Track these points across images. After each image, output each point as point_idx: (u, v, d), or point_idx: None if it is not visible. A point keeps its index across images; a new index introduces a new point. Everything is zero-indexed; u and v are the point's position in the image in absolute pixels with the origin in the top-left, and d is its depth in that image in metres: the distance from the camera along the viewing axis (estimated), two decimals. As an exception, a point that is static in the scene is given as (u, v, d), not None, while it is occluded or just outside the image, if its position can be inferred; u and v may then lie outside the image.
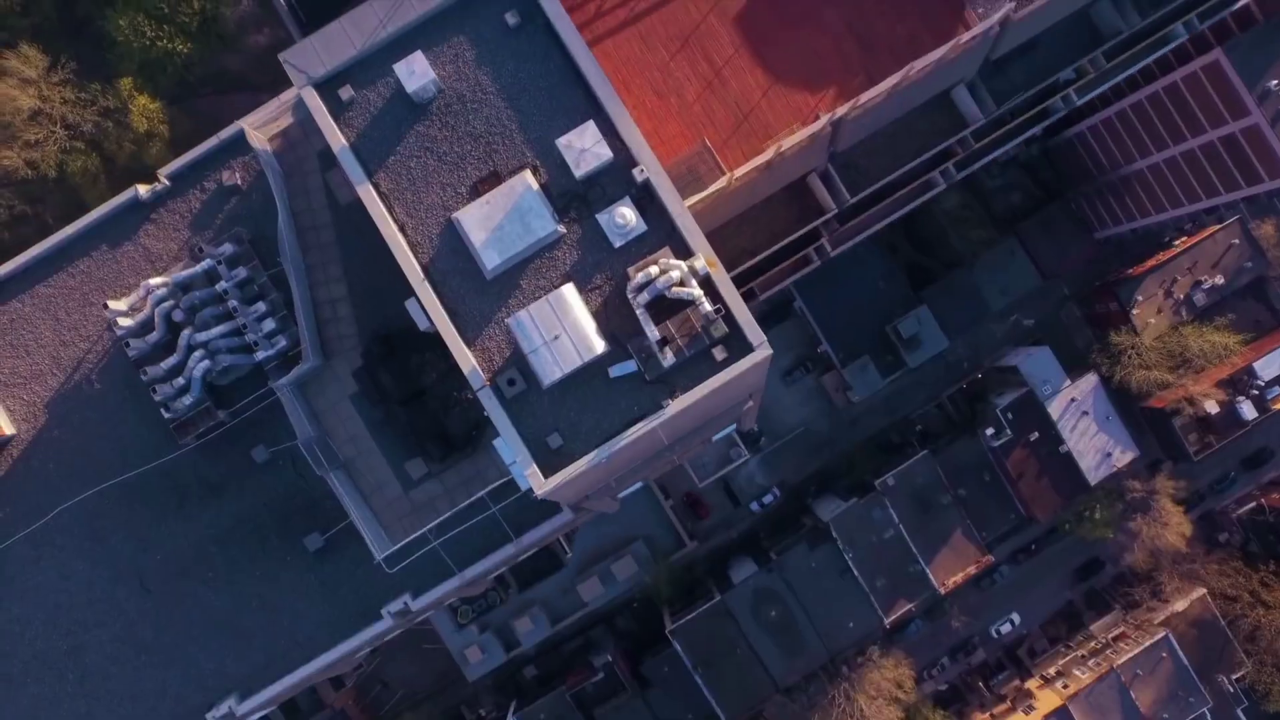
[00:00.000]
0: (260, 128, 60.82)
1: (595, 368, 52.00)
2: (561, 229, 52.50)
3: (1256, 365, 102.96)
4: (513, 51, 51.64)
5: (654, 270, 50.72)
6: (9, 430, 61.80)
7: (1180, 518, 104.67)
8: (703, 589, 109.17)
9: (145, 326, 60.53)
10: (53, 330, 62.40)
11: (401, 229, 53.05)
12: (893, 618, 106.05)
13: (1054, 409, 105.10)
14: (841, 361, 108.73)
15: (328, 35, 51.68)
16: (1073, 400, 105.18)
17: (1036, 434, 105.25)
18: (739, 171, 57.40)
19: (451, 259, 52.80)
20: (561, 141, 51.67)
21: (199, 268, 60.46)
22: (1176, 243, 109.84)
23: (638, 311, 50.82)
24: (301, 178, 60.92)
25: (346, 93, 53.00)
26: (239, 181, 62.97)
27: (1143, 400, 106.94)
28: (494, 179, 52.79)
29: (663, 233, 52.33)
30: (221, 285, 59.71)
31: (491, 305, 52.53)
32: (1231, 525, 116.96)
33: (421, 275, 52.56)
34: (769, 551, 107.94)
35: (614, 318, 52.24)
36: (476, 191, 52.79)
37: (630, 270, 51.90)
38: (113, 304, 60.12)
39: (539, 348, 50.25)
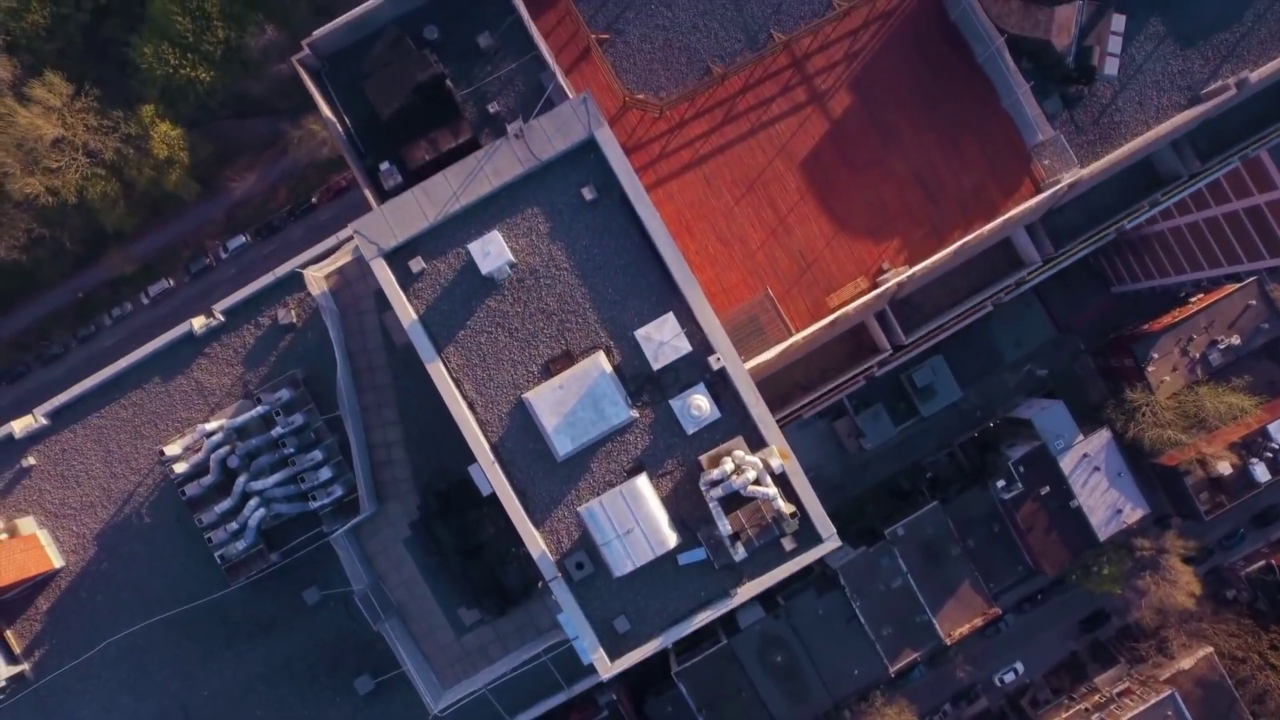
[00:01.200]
0: (317, 269, 58.99)
1: (665, 555, 51.61)
2: (635, 414, 51.42)
3: (1271, 427, 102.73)
4: (588, 225, 49.66)
5: (729, 467, 49.89)
6: (58, 562, 61.07)
7: (1190, 577, 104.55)
8: (709, 632, 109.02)
9: (200, 470, 59.65)
10: (103, 462, 61.37)
11: (471, 406, 51.42)
12: (898, 666, 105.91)
13: (1066, 464, 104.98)
14: (855, 408, 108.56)
15: (400, 206, 49.41)
16: (1085, 455, 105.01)
17: (1047, 488, 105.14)
18: (802, 335, 56.05)
19: (521, 439, 51.41)
20: (640, 334, 50.38)
21: (255, 412, 59.24)
22: (1193, 300, 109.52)
23: (710, 504, 50.22)
24: (357, 316, 59.31)
25: (417, 264, 50.80)
26: (294, 319, 60.82)
27: (1154, 457, 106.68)
28: (566, 359, 51.15)
29: (736, 420, 51.32)
30: (277, 431, 58.65)
31: (561, 488, 51.42)
32: (1239, 582, 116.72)
33: (491, 456, 51.09)
34: (776, 596, 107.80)
35: (684, 503, 51.58)
36: (548, 371, 51.26)
37: (703, 460, 51.04)
38: (168, 449, 59.21)
39: (611, 540, 49.48)
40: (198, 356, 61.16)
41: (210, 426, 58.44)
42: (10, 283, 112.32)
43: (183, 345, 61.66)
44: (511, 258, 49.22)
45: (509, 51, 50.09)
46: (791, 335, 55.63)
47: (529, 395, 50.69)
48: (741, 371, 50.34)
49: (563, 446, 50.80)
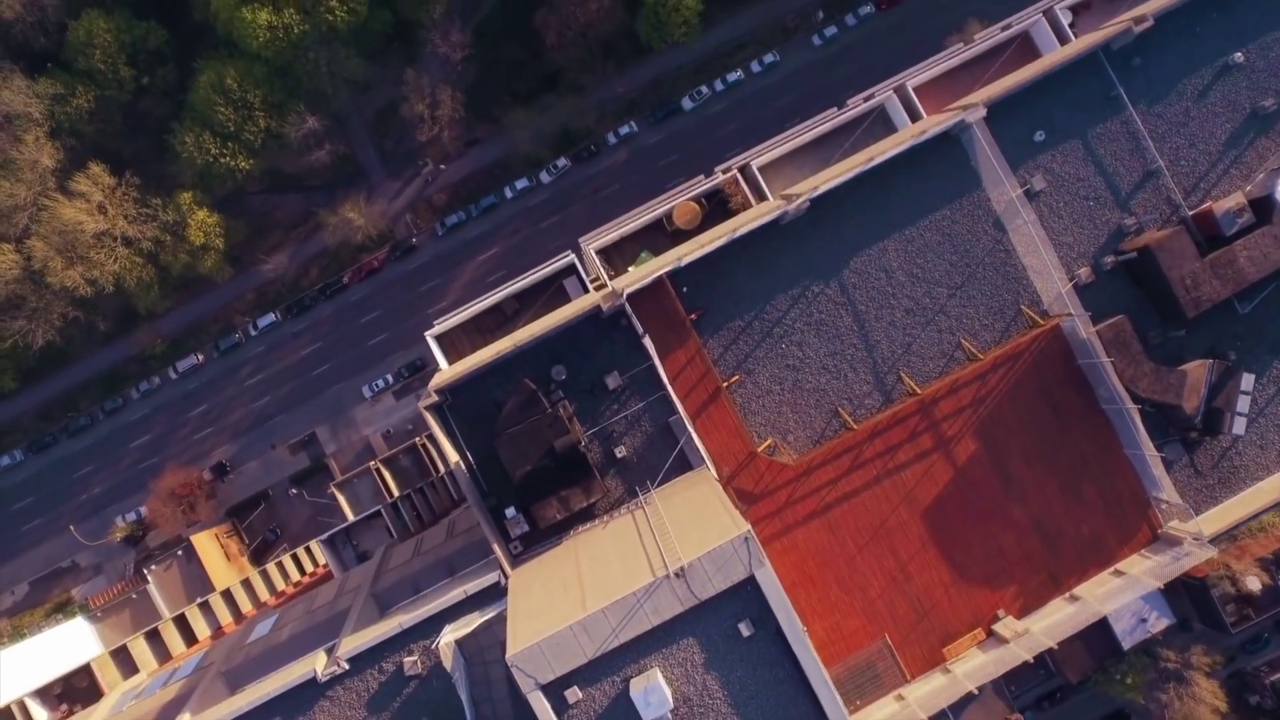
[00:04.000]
0: (450, 633, 57.49)
1: None
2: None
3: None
4: (743, 657, 48.93)
5: None
6: None
7: (1215, 692, 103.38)
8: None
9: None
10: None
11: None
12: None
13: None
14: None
15: (559, 642, 47.88)
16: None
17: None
18: (916, 695, 54.99)
19: None
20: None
21: (380, 767, 56.44)
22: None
23: None
24: (483, 666, 57.30)
25: (573, 695, 49.67)
26: (420, 670, 59.30)
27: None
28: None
29: None
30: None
31: None
32: (1263, 689, 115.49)
33: None
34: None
35: None
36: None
37: None
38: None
39: None
40: (319, 699, 58.95)
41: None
42: (40, 359, 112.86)
43: (305, 689, 59.15)
44: (672, 704, 48.28)
45: (636, 391, 48.59)
46: (907, 681, 55.26)
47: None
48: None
49: None
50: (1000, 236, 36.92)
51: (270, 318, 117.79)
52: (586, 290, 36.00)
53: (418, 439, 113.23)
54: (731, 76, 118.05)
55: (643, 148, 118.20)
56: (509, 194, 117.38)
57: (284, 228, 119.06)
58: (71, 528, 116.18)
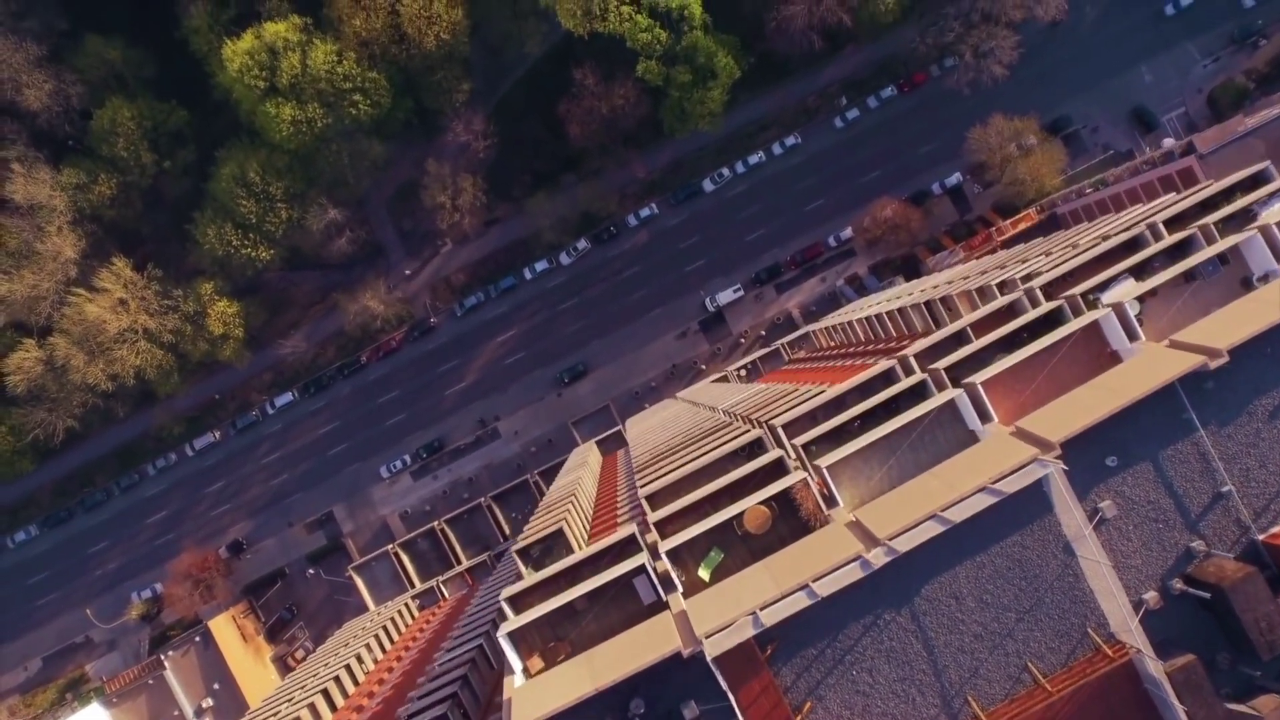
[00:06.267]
0: None
1: None
2: None
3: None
4: None
5: None
6: None
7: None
8: None
9: None
10: None
11: None
12: None
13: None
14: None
15: None
16: None
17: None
18: None
19: None
20: None
21: None
22: None
23: None
24: None
25: None
26: None
27: None
28: None
29: None
30: None
31: None
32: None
33: None
34: None
35: None
36: None
37: None
38: None
39: None
40: None
41: None
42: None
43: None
44: None
45: None
46: None
47: None
48: None
49: None
50: (1069, 560, 36.86)
51: (288, 396, 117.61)
52: (658, 594, 35.90)
53: (436, 523, 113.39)
54: (753, 158, 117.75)
55: (663, 229, 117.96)
56: (528, 275, 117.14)
57: (301, 306, 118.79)
58: (88, 611, 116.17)
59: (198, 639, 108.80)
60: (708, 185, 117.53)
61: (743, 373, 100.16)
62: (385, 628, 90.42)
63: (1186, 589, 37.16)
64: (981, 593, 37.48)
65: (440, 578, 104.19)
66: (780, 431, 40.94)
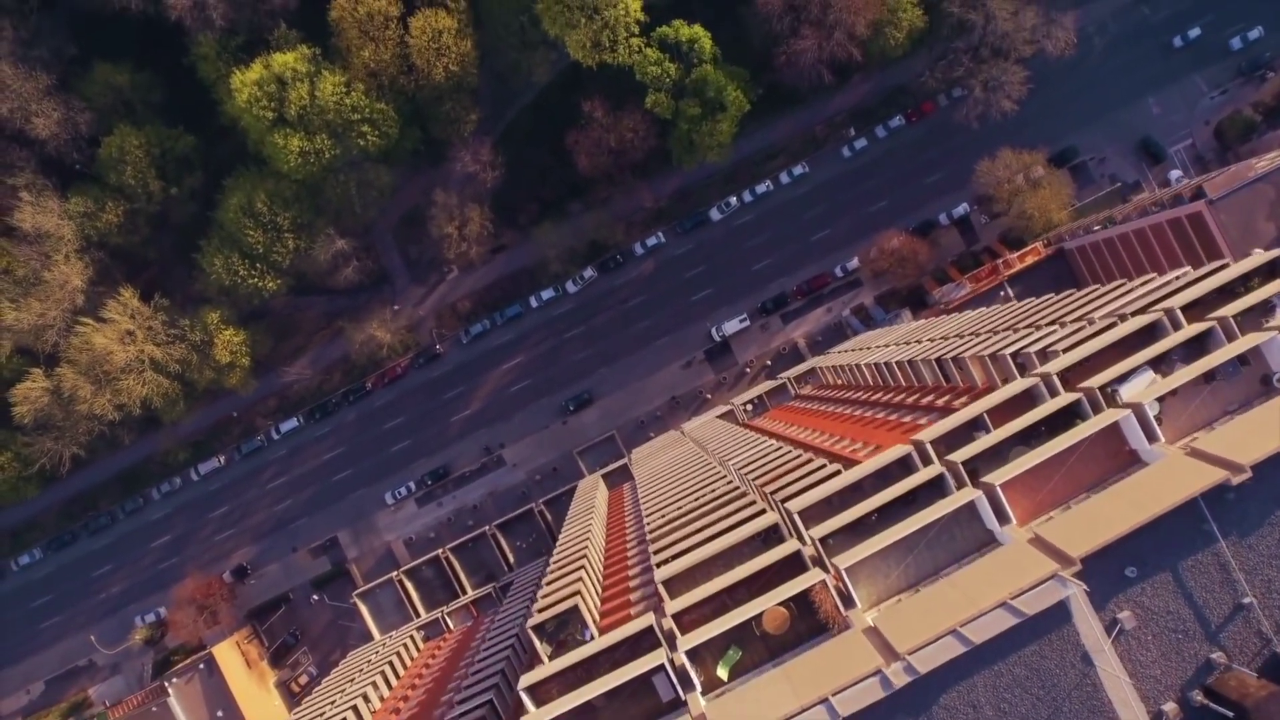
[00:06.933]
0: None
1: None
2: None
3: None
4: None
5: None
6: None
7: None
8: None
9: None
10: None
11: None
12: None
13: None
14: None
15: None
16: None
17: None
18: None
19: None
20: None
21: None
22: None
23: None
24: None
25: None
26: None
27: None
28: None
29: None
30: None
31: None
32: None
33: None
34: None
35: None
36: None
37: None
38: None
39: None
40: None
41: None
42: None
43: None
44: None
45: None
46: None
47: None
48: None
49: None
50: (1087, 670, 36.85)
51: (293, 422, 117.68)
52: (677, 692, 35.92)
53: (441, 551, 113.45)
54: (760, 187, 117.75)
55: (670, 258, 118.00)
56: (534, 303, 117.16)
57: (307, 331, 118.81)
58: (92, 637, 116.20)
59: (202, 666, 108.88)
60: (715, 214, 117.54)
61: (749, 408, 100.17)
62: (391, 663, 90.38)
63: (1207, 702, 37.19)
64: (999, 701, 37.48)
65: (445, 609, 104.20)
66: (797, 520, 40.95)
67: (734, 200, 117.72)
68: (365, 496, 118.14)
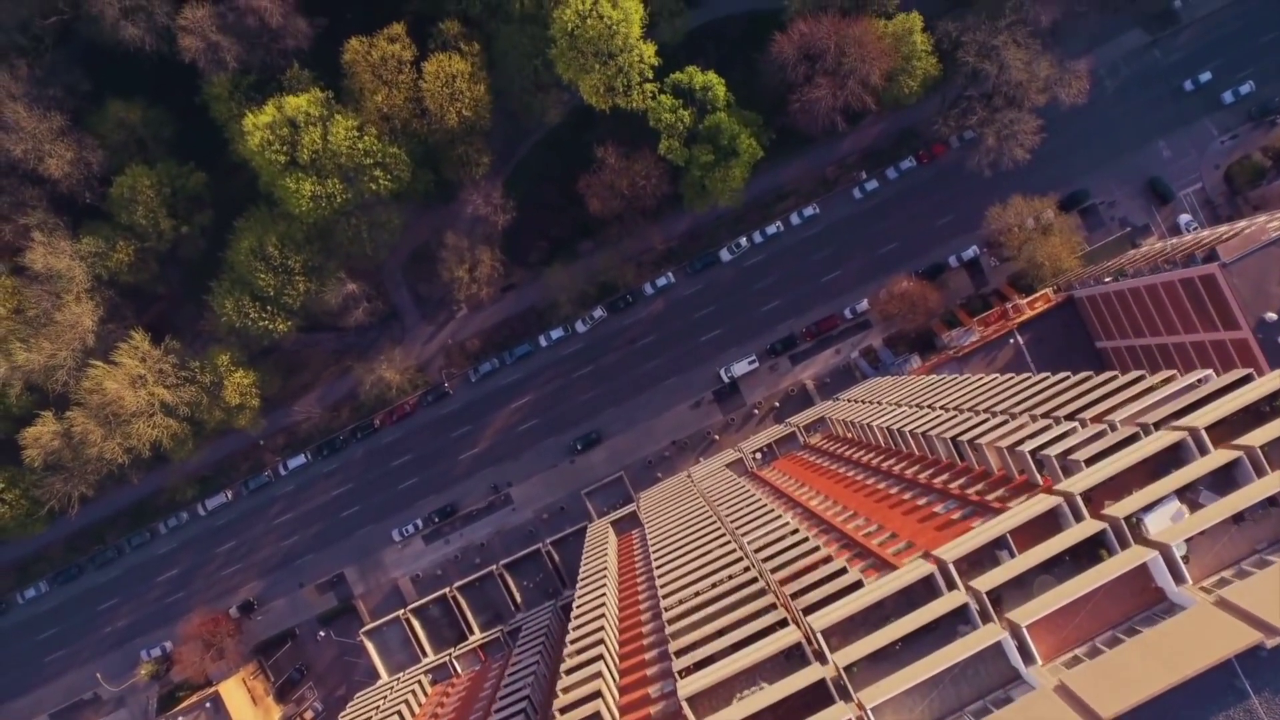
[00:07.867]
0: None
1: None
2: None
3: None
4: None
5: None
6: None
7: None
8: None
9: None
10: None
11: None
12: None
13: None
14: None
15: None
16: None
17: None
18: None
19: None
20: None
21: None
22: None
23: None
24: None
25: None
26: None
27: None
28: None
29: None
30: None
31: None
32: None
33: None
34: None
35: None
36: None
37: None
38: None
39: None
40: None
41: None
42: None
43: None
44: None
45: None
46: None
47: None
48: None
49: None
50: None
51: (301, 458, 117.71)
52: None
53: (448, 590, 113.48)
54: (771, 228, 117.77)
55: (679, 299, 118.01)
56: (543, 342, 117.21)
57: (315, 368, 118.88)
58: (98, 674, 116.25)
59: (208, 704, 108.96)
60: (725, 255, 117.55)
61: (758, 456, 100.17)
62: (400, 713, 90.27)
63: None
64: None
65: (453, 651, 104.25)
66: (820, 640, 41.01)
67: (744, 241, 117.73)
68: (372, 533, 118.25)
